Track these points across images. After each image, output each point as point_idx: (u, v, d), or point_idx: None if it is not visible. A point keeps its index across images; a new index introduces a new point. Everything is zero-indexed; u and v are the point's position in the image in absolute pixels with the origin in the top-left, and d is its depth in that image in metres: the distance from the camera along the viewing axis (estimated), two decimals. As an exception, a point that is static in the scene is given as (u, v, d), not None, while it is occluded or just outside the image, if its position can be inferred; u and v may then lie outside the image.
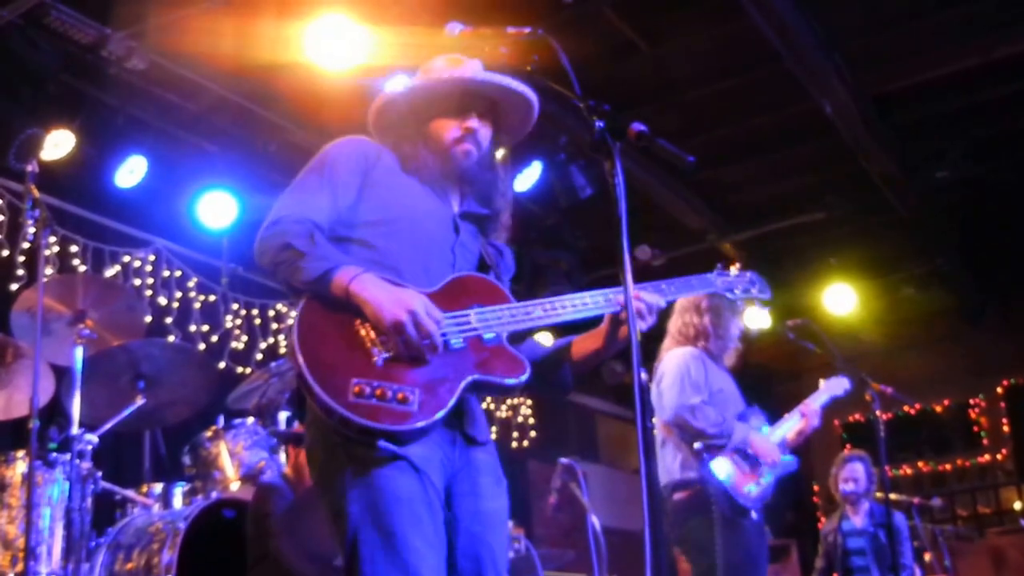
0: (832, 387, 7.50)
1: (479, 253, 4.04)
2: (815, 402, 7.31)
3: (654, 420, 6.81)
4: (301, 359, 3.42)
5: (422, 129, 3.97)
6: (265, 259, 3.64)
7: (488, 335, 3.68)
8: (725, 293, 4.31)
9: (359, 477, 3.44)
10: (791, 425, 7.13)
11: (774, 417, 7.16)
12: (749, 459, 6.69)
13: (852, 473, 9.83)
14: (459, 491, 3.67)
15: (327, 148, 3.94)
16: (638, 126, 3.31)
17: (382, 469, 3.43)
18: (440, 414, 3.48)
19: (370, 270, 3.58)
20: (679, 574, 6.61)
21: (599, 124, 3.29)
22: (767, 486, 6.71)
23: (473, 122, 3.96)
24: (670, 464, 6.74)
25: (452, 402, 3.52)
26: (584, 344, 4.08)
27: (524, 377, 3.70)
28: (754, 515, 6.60)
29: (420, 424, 3.44)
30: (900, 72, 10.08)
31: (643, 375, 3.04)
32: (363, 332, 3.52)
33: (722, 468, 6.56)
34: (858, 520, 9.75)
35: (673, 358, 6.88)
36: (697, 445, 6.56)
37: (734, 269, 4.40)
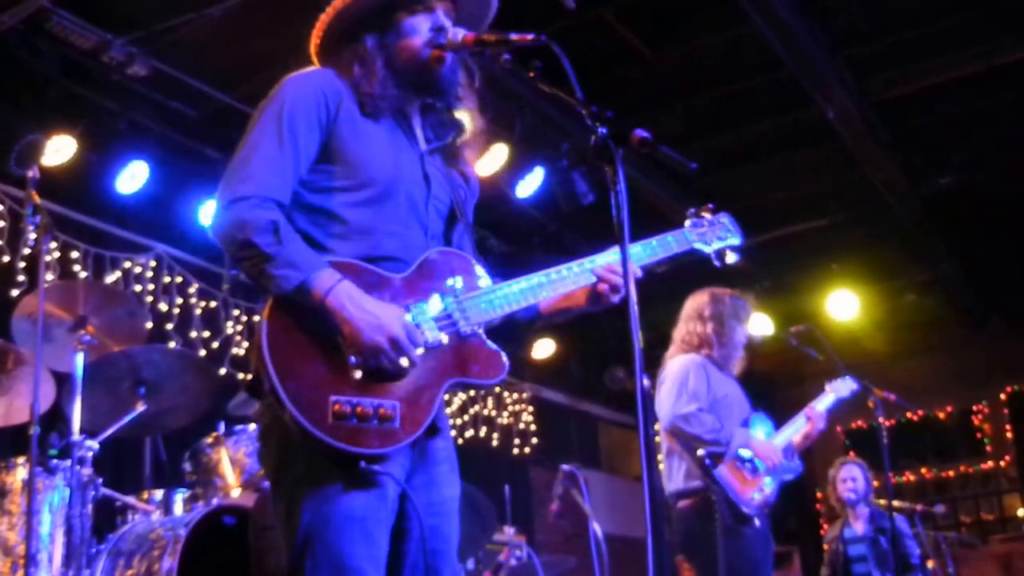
0: (838, 388, 7.48)
1: (450, 202, 3.81)
2: (820, 405, 7.29)
3: (657, 427, 6.79)
4: (272, 371, 3.21)
5: (384, 39, 3.68)
6: (225, 246, 3.40)
7: (466, 329, 3.54)
8: (702, 248, 4.22)
9: (316, 487, 3.29)
10: (796, 429, 7.11)
11: (777, 423, 7.14)
12: (750, 464, 6.66)
13: (849, 480, 9.83)
14: (417, 483, 3.50)
15: (280, 92, 3.56)
16: (641, 132, 3.27)
17: (340, 483, 3.29)
18: (423, 427, 3.38)
19: (342, 253, 3.43)
20: (682, 582, 6.59)
21: (602, 130, 3.25)
22: (770, 493, 6.70)
23: (442, 18, 3.72)
24: (674, 473, 6.73)
25: (435, 411, 3.43)
26: (556, 303, 3.88)
27: (503, 375, 3.60)
28: (757, 522, 6.59)
29: (404, 442, 3.34)
30: (903, 78, 10.07)
31: (646, 382, 3.02)
32: (339, 340, 3.32)
33: (726, 477, 6.54)
34: (859, 526, 9.75)
35: (674, 365, 6.87)
36: (701, 453, 6.53)
37: (707, 213, 4.29)
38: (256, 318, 10.30)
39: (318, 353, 3.30)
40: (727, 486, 6.51)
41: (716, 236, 4.28)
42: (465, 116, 3.93)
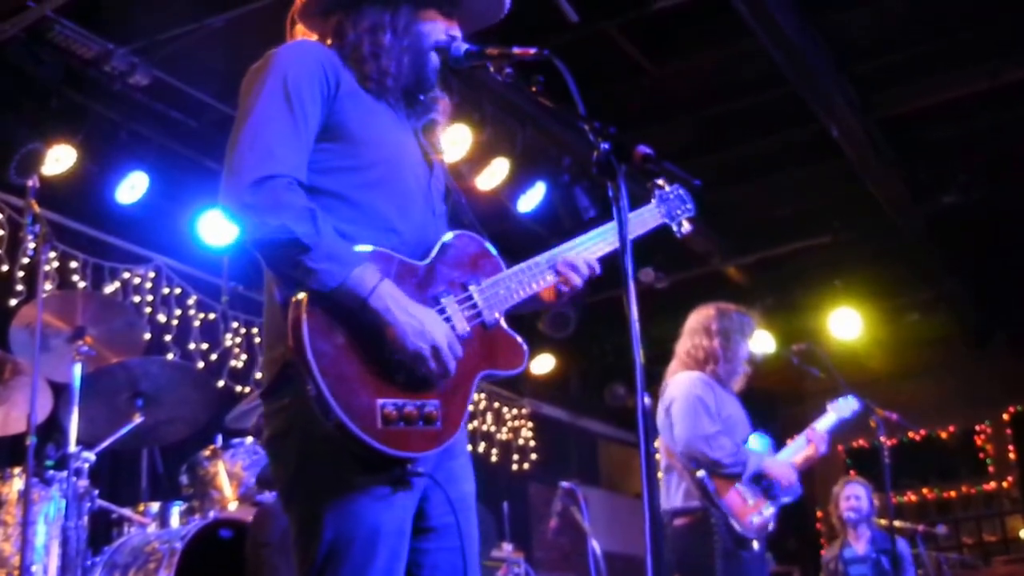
0: (840, 408, 7.42)
1: (444, 180, 3.74)
2: (822, 425, 7.24)
3: (656, 444, 6.75)
4: (317, 373, 3.03)
5: (396, 17, 3.53)
6: (251, 231, 3.14)
7: (490, 318, 3.47)
8: (667, 222, 4.19)
9: (340, 500, 3.15)
10: (797, 450, 7.07)
11: (777, 441, 7.10)
12: (761, 486, 6.62)
13: (853, 498, 9.78)
14: (440, 479, 3.36)
15: (277, 62, 3.36)
16: (644, 149, 3.25)
17: (365, 496, 3.15)
18: (462, 425, 3.32)
19: (359, 239, 3.25)
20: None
21: (604, 146, 3.22)
22: (769, 516, 6.65)
23: (455, 24, 3.64)
24: (673, 491, 6.68)
25: (469, 406, 3.37)
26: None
27: (525, 363, 3.53)
28: (756, 545, 6.54)
29: (447, 442, 3.25)
30: (908, 95, 10.06)
31: (647, 400, 2.99)
32: (379, 338, 3.17)
33: (726, 499, 6.50)
34: (860, 547, 9.69)
35: (682, 384, 6.81)
36: (700, 474, 6.48)
37: (666, 186, 4.21)
38: (255, 330, 10.28)
39: (358, 351, 3.14)
40: (727, 509, 6.47)
41: (677, 209, 4.21)
42: (439, 102, 3.76)
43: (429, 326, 3.21)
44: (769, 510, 6.65)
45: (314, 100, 3.31)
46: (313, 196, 3.25)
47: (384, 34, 3.50)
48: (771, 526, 6.66)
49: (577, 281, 3.72)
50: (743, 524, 6.47)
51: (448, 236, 3.52)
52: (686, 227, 4.22)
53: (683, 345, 7.02)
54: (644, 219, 4.09)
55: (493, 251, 3.62)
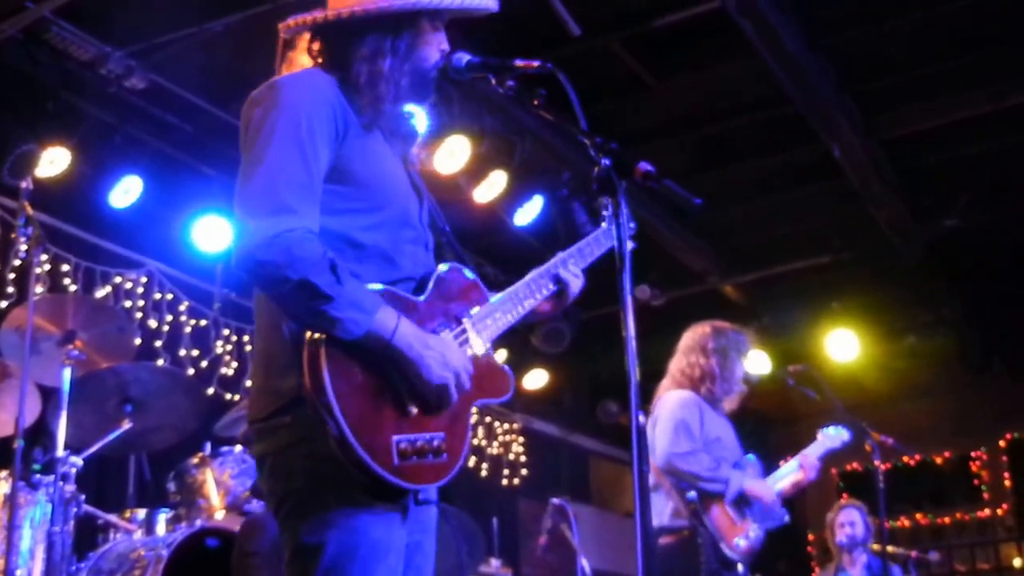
0: (831, 438, 7.36)
1: (430, 209, 3.71)
2: (813, 452, 7.18)
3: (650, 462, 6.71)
4: (339, 415, 3.07)
5: (396, 44, 3.44)
6: (269, 284, 3.16)
7: (480, 349, 3.52)
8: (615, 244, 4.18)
9: (344, 519, 3.17)
10: (788, 475, 7.01)
11: (769, 463, 7.05)
12: (743, 506, 6.58)
13: (849, 517, 9.75)
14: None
15: (290, 99, 3.28)
16: (645, 166, 3.22)
17: (369, 514, 3.18)
18: (464, 454, 3.37)
19: (365, 278, 3.25)
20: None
21: (605, 161, 3.19)
22: (755, 539, 6.61)
23: (445, 36, 3.58)
24: (660, 510, 6.63)
25: (468, 435, 3.42)
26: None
27: (512, 391, 3.61)
28: (740, 568, 6.51)
29: (453, 473, 3.32)
30: (911, 117, 10.03)
31: (641, 418, 2.96)
32: (393, 377, 3.22)
33: (714, 519, 6.45)
34: (855, 572, 9.66)
35: (669, 403, 6.78)
36: (691, 495, 6.45)
37: (605, 211, 4.17)
38: (246, 338, 10.24)
39: (372, 389, 3.19)
40: (715, 529, 6.43)
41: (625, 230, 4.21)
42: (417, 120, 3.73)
43: (450, 356, 3.30)
44: (755, 534, 6.61)
45: (325, 144, 3.27)
46: (321, 239, 3.21)
47: (384, 60, 3.42)
48: (755, 550, 6.63)
49: (576, 288, 3.91)
50: (730, 545, 6.43)
51: (442, 268, 3.56)
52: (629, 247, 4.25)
53: (677, 363, 6.97)
54: (601, 242, 4.21)
55: (480, 283, 3.68)
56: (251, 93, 3.39)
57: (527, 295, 3.79)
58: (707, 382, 6.82)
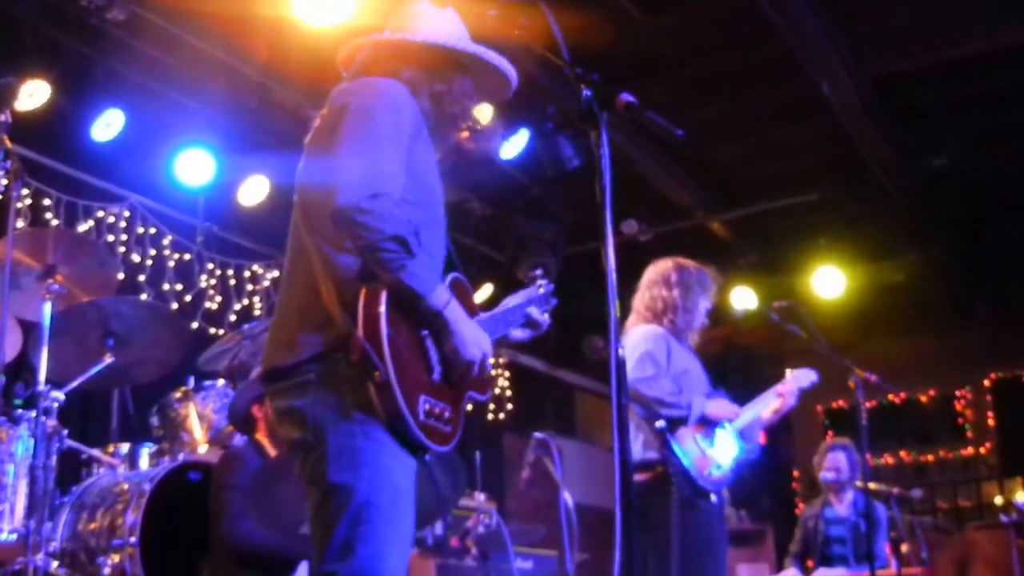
0: (799, 379, 7.35)
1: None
2: (789, 384, 7.19)
3: (630, 397, 6.70)
4: (389, 358, 3.38)
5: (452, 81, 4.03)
6: (363, 232, 3.43)
7: None
8: (532, 313, 4.45)
9: (374, 458, 3.46)
10: (766, 404, 7.02)
11: (748, 400, 7.05)
12: (711, 436, 6.59)
13: (834, 462, 9.81)
14: None
15: (393, 98, 3.75)
16: (627, 97, 3.22)
17: (393, 458, 3.49)
18: (461, 429, 3.70)
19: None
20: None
21: (586, 93, 3.18)
22: (727, 471, 6.62)
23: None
24: (631, 444, 6.62)
25: (463, 418, 3.73)
26: None
27: (490, 394, 3.95)
28: (714, 498, 6.53)
29: (453, 443, 3.66)
30: (902, 55, 9.98)
31: (621, 352, 2.96)
32: (428, 344, 3.59)
33: (684, 449, 6.46)
34: (841, 508, 9.74)
35: (635, 336, 6.77)
36: (660, 424, 6.45)
37: (542, 283, 4.52)
38: (230, 272, 10.21)
39: (410, 352, 3.52)
40: (685, 457, 6.44)
41: (542, 307, 4.54)
42: None
43: (483, 338, 3.70)
44: (727, 464, 6.62)
45: (405, 138, 3.68)
46: None
47: (452, 90, 4.03)
48: (729, 481, 6.65)
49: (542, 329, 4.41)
50: (701, 475, 6.45)
51: (452, 277, 3.90)
52: (546, 319, 4.51)
53: (641, 298, 6.95)
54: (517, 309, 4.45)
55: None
56: (344, 85, 3.89)
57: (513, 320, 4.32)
58: (669, 313, 6.80)
